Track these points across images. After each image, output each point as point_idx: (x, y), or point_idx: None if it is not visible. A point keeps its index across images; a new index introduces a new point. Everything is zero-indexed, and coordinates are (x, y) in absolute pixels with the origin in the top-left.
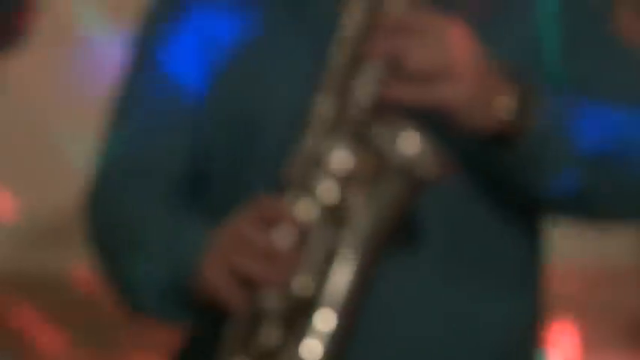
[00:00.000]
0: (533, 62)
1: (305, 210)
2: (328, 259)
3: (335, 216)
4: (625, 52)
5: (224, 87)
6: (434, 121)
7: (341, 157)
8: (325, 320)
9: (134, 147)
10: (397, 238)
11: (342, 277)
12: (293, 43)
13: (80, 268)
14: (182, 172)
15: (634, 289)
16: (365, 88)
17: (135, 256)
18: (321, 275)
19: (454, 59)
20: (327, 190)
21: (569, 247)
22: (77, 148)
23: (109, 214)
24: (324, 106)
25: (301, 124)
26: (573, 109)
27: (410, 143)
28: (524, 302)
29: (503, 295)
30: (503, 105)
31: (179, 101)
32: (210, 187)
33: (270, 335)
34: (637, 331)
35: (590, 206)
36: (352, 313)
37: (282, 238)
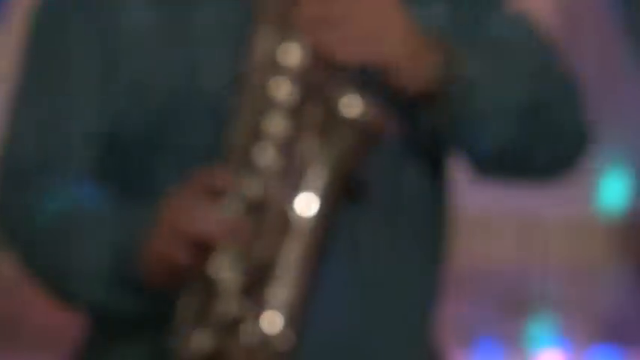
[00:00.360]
0: (449, 29)
1: (251, 179)
2: (282, 227)
3: (284, 181)
4: (518, 17)
5: (138, 71)
6: (370, 84)
7: (281, 124)
8: (283, 289)
9: (41, 138)
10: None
11: (297, 243)
12: (211, 24)
13: None
14: (93, 158)
15: (610, 286)
16: (295, 55)
17: (69, 247)
18: (277, 243)
19: (386, 22)
20: (272, 158)
21: (547, 246)
22: None
23: (26, 210)
24: (255, 79)
25: (224, 106)
26: (494, 65)
27: (353, 105)
28: (438, 270)
29: (429, 261)
30: (431, 64)
31: (82, 85)
32: (125, 172)
33: (228, 307)
34: (612, 326)
35: (519, 159)
36: (311, 279)
37: (232, 206)
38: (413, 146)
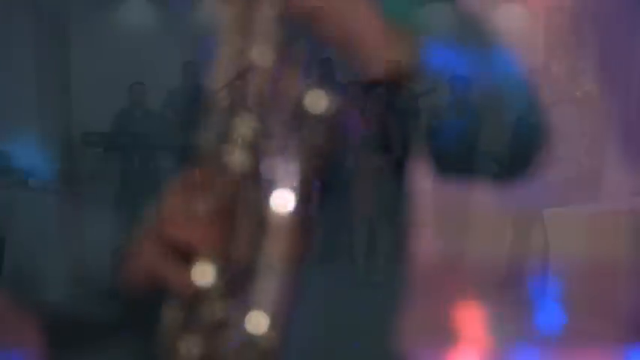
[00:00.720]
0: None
1: (228, 179)
2: (261, 226)
3: (258, 181)
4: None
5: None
6: (335, 79)
7: (250, 124)
8: (267, 289)
9: None
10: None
11: (277, 241)
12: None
13: None
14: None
15: (624, 284)
16: (262, 54)
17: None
18: (257, 242)
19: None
20: (243, 158)
21: (563, 242)
22: None
23: None
24: (222, 82)
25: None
26: (453, 58)
27: (318, 101)
28: (403, 271)
29: (395, 262)
30: (397, 51)
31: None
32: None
33: (214, 310)
34: (626, 323)
35: (475, 159)
36: (294, 276)
37: (210, 208)
38: (380, 145)
